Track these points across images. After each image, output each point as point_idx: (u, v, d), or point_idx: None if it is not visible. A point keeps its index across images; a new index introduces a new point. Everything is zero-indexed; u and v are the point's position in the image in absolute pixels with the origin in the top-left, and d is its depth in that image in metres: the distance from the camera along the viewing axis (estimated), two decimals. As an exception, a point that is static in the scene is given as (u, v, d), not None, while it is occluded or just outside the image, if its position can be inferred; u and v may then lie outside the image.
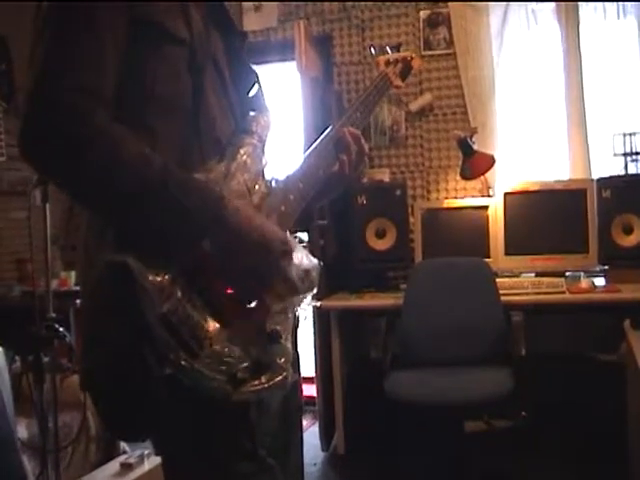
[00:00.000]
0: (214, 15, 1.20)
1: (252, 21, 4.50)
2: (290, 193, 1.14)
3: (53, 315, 2.26)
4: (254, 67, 1.28)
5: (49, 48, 0.94)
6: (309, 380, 3.50)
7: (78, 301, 3.24)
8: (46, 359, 2.23)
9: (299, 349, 1.24)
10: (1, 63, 4.09)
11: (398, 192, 3.62)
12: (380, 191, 3.64)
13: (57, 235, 3.66)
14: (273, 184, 1.14)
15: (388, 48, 1.61)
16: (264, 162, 1.15)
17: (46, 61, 0.93)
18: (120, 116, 0.98)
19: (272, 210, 1.09)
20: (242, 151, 1.11)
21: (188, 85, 1.07)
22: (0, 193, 4.16)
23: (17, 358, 2.64)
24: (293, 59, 3.76)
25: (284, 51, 4.15)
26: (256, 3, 4.52)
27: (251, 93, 1.23)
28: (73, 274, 3.87)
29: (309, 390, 3.55)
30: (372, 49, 1.65)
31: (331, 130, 1.30)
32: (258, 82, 1.25)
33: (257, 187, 1.10)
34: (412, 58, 1.59)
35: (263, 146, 1.16)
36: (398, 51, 1.62)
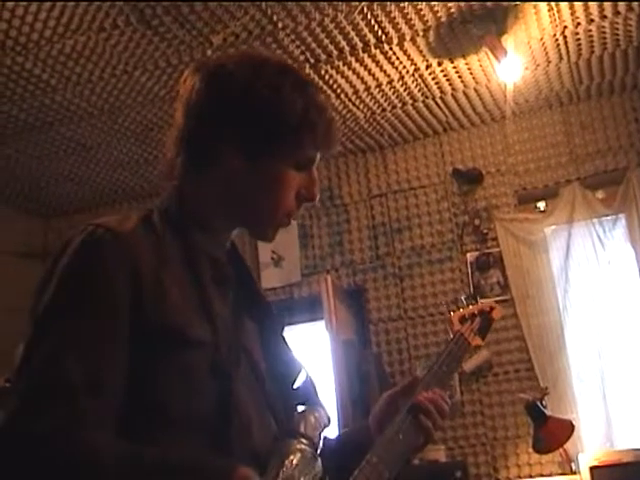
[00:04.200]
0: (245, 300, 1.38)
1: (272, 277, 5.27)
2: None
3: None
4: (299, 357, 1.45)
5: (34, 372, 1.10)
6: None
7: None
8: None
9: None
10: None
11: (458, 474, 3.98)
12: (436, 475, 4.00)
13: None
14: None
15: (463, 299, 1.89)
16: (317, 470, 1.25)
17: (28, 384, 1.09)
18: (128, 437, 1.12)
19: None
20: (288, 461, 1.21)
21: (212, 393, 1.20)
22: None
23: None
24: (321, 318, 4.38)
25: (311, 309, 4.77)
26: (274, 256, 5.35)
27: (296, 384, 1.39)
28: None
29: None
30: (445, 305, 2.05)
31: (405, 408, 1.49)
32: (304, 371, 1.41)
33: None
34: (492, 309, 1.81)
35: (315, 450, 1.26)
36: (475, 302, 1.87)
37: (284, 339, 1.46)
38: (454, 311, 1.83)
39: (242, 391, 1.25)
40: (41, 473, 1.05)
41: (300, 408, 1.33)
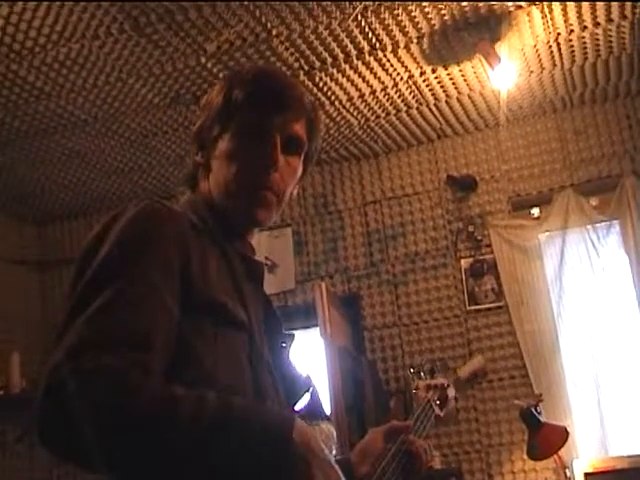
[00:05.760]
0: (264, 315, 1.44)
1: (266, 284, 5.23)
2: None
3: None
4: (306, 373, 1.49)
5: (87, 317, 1.11)
6: None
7: None
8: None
9: None
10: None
11: (453, 481, 3.99)
12: (431, 481, 4.00)
13: None
14: None
15: (422, 373, 2.12)
16: None
17: (83, 330, 1.10)
18: None
19: None
20: None
21: (248, 377, 1.28)
22: None
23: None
24: (316, 325, 4.37)
25: (306, 316, 4.75)
26: (269, 263, 5.35)
27: (300, 403, 1.44)
28: None
29: None
30: (410, 370, 2.27)
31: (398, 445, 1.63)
32: (312, 387, 1.47)
33: None
34: (448, 386, 2.03)
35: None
36: (432, 376, 2.10)
37: (290, 355, 1.49)
38: (420, 379, 2.07)
39: (266, 384, 1.31)
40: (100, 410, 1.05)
41: (313, 421, 1.36)
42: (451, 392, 2.05)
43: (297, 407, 1.44)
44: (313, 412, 1.44)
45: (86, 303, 1.14)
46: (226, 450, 1.08)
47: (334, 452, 1.35)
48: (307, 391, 1.46)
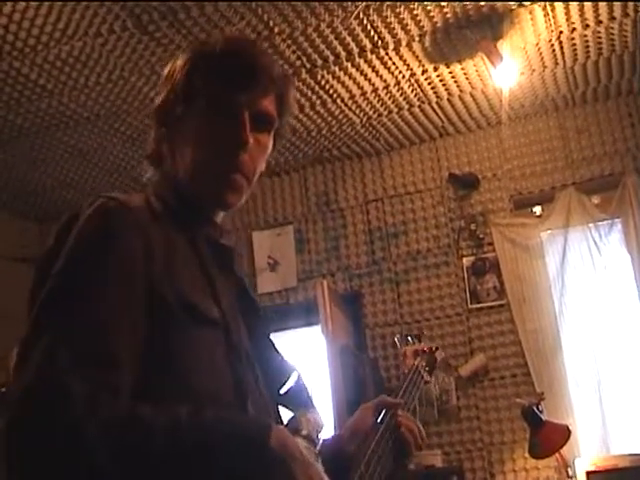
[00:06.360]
0: (239, 300, 1.41)
1: (268, 282, 5.27)
2: None
3: None
4: (290, 359, 1.49)
5: (48, 342, 1.06)
6: None
7: None
8: None
9: None
10: None
11: (454, 479, 3.99)
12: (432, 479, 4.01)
13: None
14: None
15: (410, 338, 2.12)
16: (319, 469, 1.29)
17: (46, 354, 1.05)
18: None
19: None
20: None
21: (228, 375, 1.24)
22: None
23: None
24: (317, 323, 4.38)
25: (307, 314, 4.77)
26: (270, 261, 5.36)
27: (284, 388, 1.44)
28: None
29: None
30: (397, 339, 2.23)
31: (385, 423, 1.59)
32: (296, 374, 1.46)
33: None
34: (436, 349, 2.02)
35: (315, 447, 1.29)
36: (419, 341, 2.10)
37: (271, 340, 1.47)
38: (408, 344, 2.03)
39: (246, 378, 1.28)
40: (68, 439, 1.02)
41: (298, 409, 1.36)
42: (440, 355, 2.03)
43: (282, 391, 1.43)
44: (299, 399, 1.43)
45: (46, 323, 1.10)
46: (205, 467, 1.07)
47: (321, 440, 1.33)
48: (291, 374, 1.45)
